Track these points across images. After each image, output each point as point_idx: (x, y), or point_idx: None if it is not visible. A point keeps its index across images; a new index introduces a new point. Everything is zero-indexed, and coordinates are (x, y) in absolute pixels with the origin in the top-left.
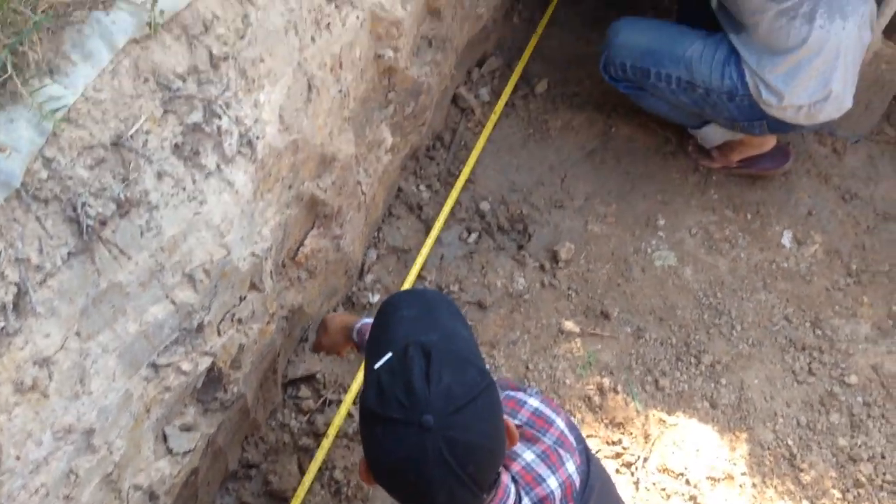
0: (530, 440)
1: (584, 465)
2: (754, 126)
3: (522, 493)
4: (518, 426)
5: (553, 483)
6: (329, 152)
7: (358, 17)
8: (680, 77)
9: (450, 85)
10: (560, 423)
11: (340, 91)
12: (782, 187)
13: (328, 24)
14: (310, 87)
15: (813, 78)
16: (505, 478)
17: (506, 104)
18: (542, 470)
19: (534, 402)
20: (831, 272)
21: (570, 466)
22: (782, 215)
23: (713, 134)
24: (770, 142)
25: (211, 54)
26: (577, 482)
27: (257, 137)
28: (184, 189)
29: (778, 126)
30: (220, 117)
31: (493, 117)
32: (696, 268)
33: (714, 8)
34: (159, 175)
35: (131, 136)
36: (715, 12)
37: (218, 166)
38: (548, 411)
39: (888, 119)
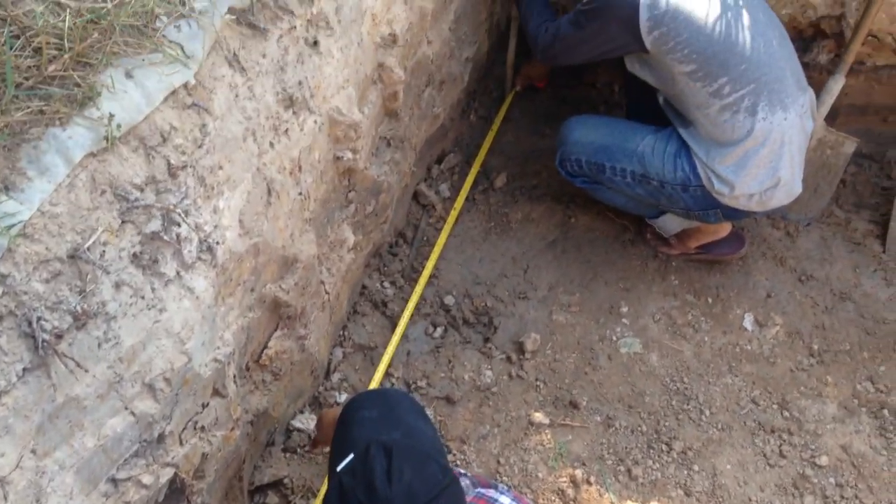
0: None
1: None
2: (709, 214)
3: None
4: None
5: None
6: (291, 254)
7: (316, 122)
8: (634, 171)
9: (410, 182)
10: None
11: (300, 193)
12: (740, 271)
13: (286, 129)
14: (269, 191)
15: (761, 167)
16: None
17: (466, 199)
18: None
19: (505, 501)
20: (794, 353)
21: None
22: (742, 298)
23: (670, 223)
24: (725, 228)
25: (169, 164)
26: None
27: (217, 243)
28: (142, 298)
29: (732, 213)
30: (178, 225)
31: (454, 212)
32: (662, 353)
33: (661, 104)
34: (117, 285)
35: (88, 248)
36: (662, 108)
37: (178, 273)
38: None
39: (837, 201)
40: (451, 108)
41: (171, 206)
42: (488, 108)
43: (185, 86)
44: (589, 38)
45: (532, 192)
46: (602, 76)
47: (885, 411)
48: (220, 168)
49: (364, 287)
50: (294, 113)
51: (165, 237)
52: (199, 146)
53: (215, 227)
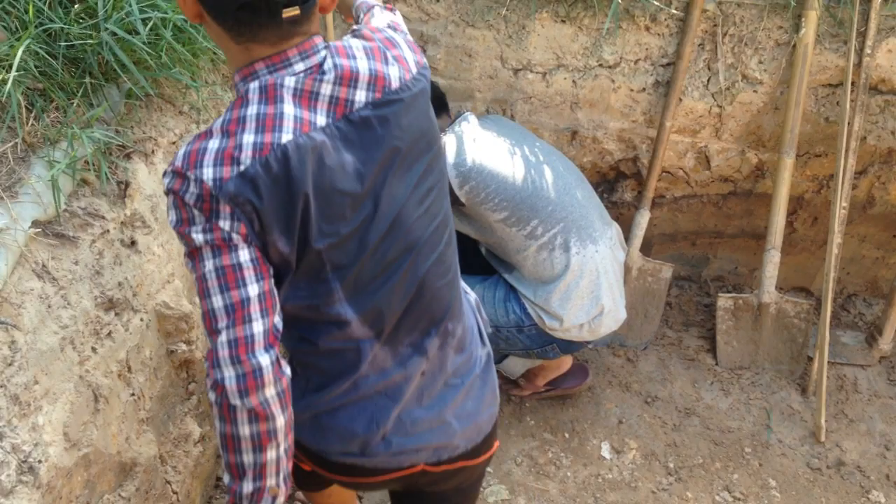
0: (364, 37)
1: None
2: (547, 351)
3: (331, 60)
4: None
5: (363, 66)
6: (128, 458)
7: (143, 320)
8: None
9: None
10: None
11: (133, 394)
12: (591, 402)
13: (109, 332)
14: (96, 398)
15: (584, 298)
16: (318, 39)
17: None
18: (360, 54)
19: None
20: (653, 474)
21: (394, 71)
22: (597, 428)
23: (514, 365)
24: (567, 362)
25: None
26: (393, 85)
27: (39, 461)
28: None
29: (568, 346)
30: None
31: None
32: (529, 496)
33: (485, 254)
34: None
35: None
36: (486, 257)
37: None
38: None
39: (667, 323)
40: None
41: None
42: None
43: None
44: None
45: None
46: None
47: None
48: (37, 383)
49: (219, 479)
50: (116, 314)
51: None
52: (10, 364)
53: (35, 444)
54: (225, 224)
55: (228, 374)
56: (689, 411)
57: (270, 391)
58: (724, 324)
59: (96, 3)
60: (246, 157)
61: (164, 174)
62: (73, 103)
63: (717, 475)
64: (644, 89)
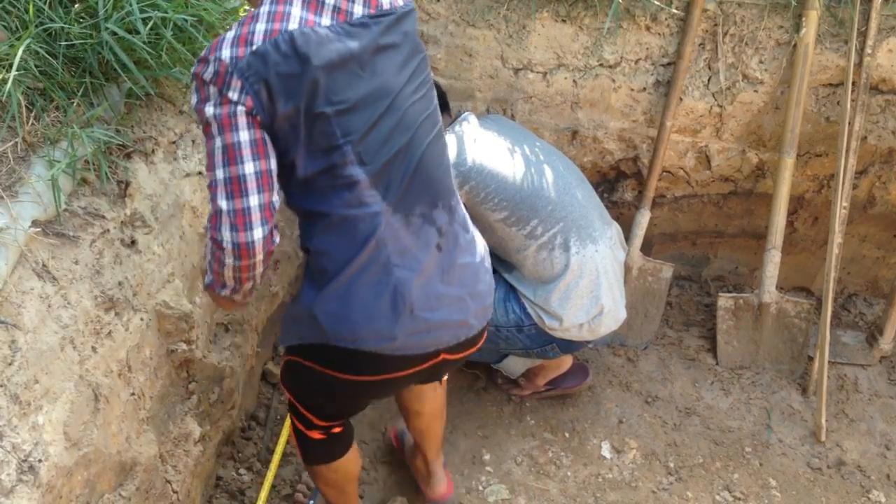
0: None
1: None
2: (547, 350)
3: None
4: None
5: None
6: (128, 458)
7: (143, 319)
8: None
9: (256, 363)
10: None
11: (133, 394)
12: (591, 401)
13: (109, 332)
14: (96, 397)
15: (584, 297)
16: None
17: None
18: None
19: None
20: (653, 474)
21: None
22: (597, 428)
23: (514, 365)
24: (567, 361)
25: None
26: (384, 5)
27: (39, 461)
28: None
29: (568, 346)
30: None
31: None
32: (529, 496)
33: None
34: None
35: None
36: None
37: None
38: None
39: (667, 322)
40: (289, 286)
41: None
42: None
43: None
44: None
45: None
46: None
47: None
48: (37, 382)
49: (219, 478)
50: (117, 314)
51: None
52: (10, 363)
53: (36, 444)
54: (234, 96)
55: (226, 238)
56: (690, 411)
57: (259, 257)
58: (724, 323)
59: (96, 3)
60: (258, 39)
61: (192, 68)
62: (73, 103)
63: (718, 475)
64: (644, 89)
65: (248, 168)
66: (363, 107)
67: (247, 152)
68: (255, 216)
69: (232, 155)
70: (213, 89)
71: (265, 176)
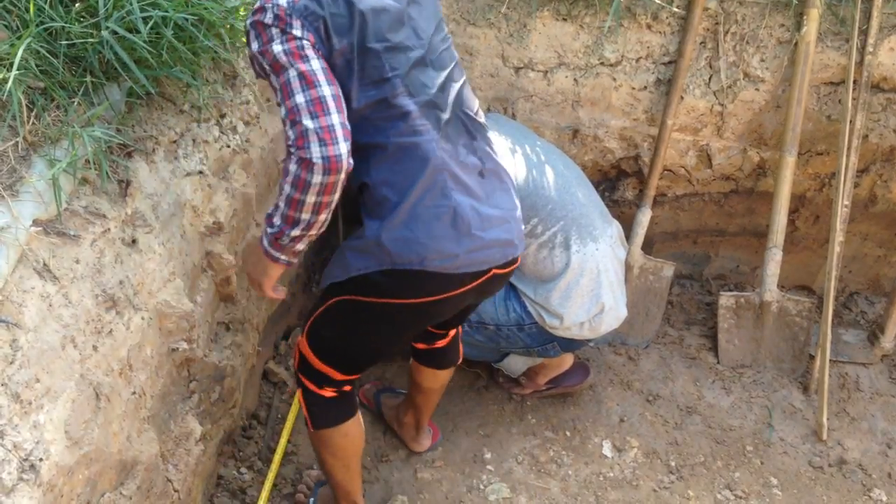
0: None
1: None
2: (548, 349)
3: None
4: None
5: None
6: (129, 457)
7: (143, 318)
8: (470, 320)
9: (257, 363)
10: None
11: (134, 392)
12: (592, 400)
13: (110, 330)
14: (98, 396)
15: (584, 296)
16: None
17: None
18: None
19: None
20: (654, 473)
21: None
22: (598, 427)
23: (515, 363)
24: (568, 360)
25: None
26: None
27: (40, 460)
28: None
29: (569, 344)
30: None
31: None
32: (530, 494)
33: None
34: None
35: None
36: None
37: None
38: None
39: (668, 321)
40: (291, 284)
41: None
42: None
43: None
44: None
45: None
46: None
47: None
48: (38, 381)
49: (220, 477)
50: (118, 313)
51: None
52: (11, 362)
53: (37, 443)
54: (297, 32)
55: (316, 154)
56: (691, 410)
57: (342, 175)
58: (725, 322)
59: (97, 2)
60: None
61: (247, 19)
62: (73, 102)
63: (719, 473)
64: (645, 87)
65: (326, 90)
66: (404, 48)
67: (322, 77)
68: (340, 132)
69: (310, 80)
70: (275, 30)
71: (339, 99)
